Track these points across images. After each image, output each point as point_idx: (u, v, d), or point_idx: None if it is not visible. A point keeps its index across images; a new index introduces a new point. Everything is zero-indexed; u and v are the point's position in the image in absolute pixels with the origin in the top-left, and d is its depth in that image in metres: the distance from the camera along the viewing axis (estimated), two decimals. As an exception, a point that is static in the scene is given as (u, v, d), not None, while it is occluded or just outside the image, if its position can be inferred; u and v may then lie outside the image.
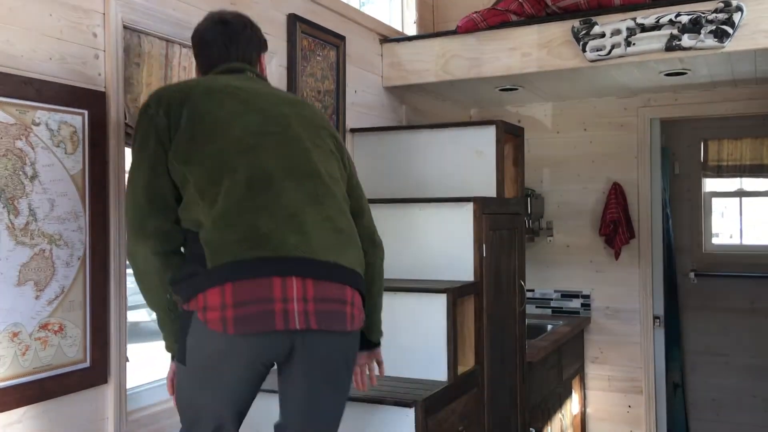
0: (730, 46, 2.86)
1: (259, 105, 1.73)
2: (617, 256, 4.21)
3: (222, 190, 1.59)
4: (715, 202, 5.31)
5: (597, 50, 3.07)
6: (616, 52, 3.04)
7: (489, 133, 3.02)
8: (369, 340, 1.92)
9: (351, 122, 3.24)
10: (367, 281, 1.79)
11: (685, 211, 5.25)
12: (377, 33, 3.51)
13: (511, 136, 3.20)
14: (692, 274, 5.15)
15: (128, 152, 2.13)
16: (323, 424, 1.74)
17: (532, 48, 3.24)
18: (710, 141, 5.25)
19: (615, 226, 4.16)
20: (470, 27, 3.32)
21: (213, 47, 1.84)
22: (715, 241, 5.30)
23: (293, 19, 2.84)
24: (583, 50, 3.10)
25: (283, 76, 2.78)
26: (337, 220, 1.67)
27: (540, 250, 4.44)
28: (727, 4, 2.83)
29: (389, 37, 3.56)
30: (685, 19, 2.90)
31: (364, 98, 3.39)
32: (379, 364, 2.01)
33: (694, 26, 2.89)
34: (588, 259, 4.35)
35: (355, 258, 1.69)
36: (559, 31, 3.17)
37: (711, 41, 2.87)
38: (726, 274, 5.08)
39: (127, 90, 2.11)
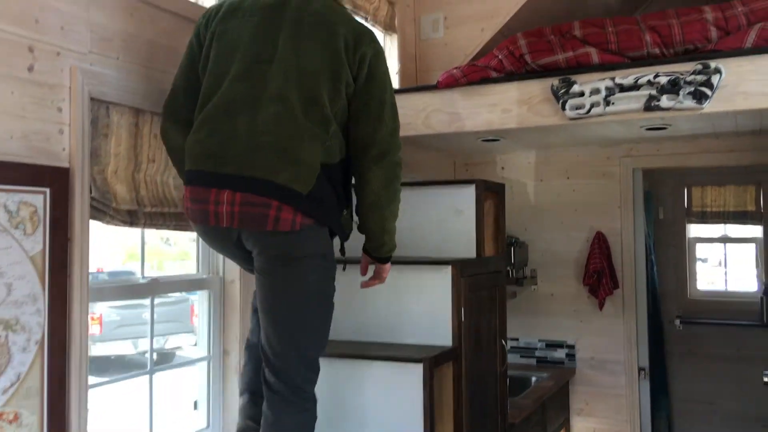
0: (708, 107, 2.85)
1: (264, 31, 1.93)
2: (601, 306, 4.17)
3: (204, 110, 1.92)
4: (699, 247, 5.29)
5: (576, 108, 3.05)
6: (595, 111, 3.03)
7: (469, 192, 2.99)
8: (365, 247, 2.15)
9: (330, 178, 3.19)
10: (360, 194, 2.04)
11: (670, 257, 5.23)
12: (357, 87, 3.47)
13: (491, 194, 3.17)
14: (678, 321, 5.12)
15: (93, 225, 2.08)
16: (270, 314, 1.94)
17: (512, 104, 3.22)
18: (694, 187, 5.25)
19: (598, 276, 4.12)
20: (451, 82, 3.31)
21: None
22: (699, 286, 5.27)
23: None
24: (563, 108, 3.08)
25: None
26: (288, 143, 1.85)
27: (524, 298, 4.39)
28: (706, 66, 2.82)
29: (369, 91, 3.53)
30: (663, 80, 2.88)
31: (343, 153, 3.34)
32: (376, 274, 2.22)
33: (673, 87, 2.88)
34: (572, 309, 4.31)
35: (291, 177, 1.84)
36: (539, 88, 3.15)
37: (690, 102, 2.86)
38: (711, 321, 5.05)
39: (93, 162, 2.06)
